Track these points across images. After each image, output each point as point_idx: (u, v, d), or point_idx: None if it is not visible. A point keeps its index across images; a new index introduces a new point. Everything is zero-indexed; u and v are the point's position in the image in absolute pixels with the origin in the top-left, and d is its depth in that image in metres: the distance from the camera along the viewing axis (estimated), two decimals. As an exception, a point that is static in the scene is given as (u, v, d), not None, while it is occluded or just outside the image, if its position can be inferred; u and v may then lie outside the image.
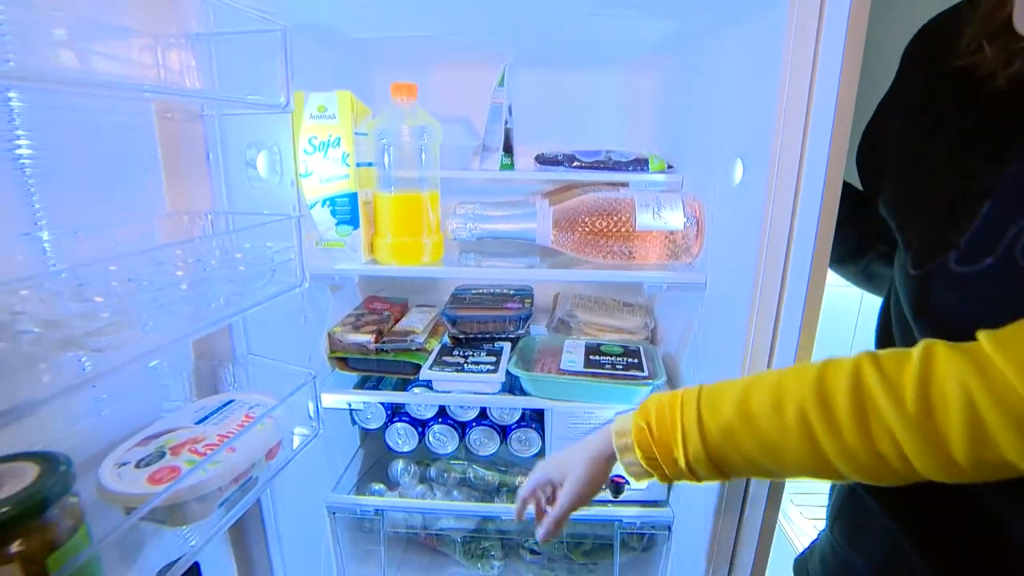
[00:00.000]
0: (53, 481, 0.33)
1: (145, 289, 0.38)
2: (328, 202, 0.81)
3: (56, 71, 0.43)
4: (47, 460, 0.34)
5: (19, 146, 0.43)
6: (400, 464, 1.05)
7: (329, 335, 0.92)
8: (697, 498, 0.84)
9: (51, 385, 0.36)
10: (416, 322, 0.99)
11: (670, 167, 0.94)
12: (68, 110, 0.47)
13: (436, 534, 1.02)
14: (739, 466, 0.47)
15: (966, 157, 0.45)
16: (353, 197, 0.80)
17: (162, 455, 0.45)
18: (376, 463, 1.08)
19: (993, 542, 0.47)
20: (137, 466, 0.43)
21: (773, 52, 0.59)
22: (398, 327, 0.97)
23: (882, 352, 0.41)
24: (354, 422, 1.04)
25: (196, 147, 0.53)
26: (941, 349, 0.38)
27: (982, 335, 0.37)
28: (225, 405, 0.54)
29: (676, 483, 0.52)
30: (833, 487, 0.67)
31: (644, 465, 0.50)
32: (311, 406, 0.63)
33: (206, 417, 0.51)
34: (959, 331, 0.39)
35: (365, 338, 0.90)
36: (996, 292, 0.38)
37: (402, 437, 1.03)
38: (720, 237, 0.78)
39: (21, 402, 0.33)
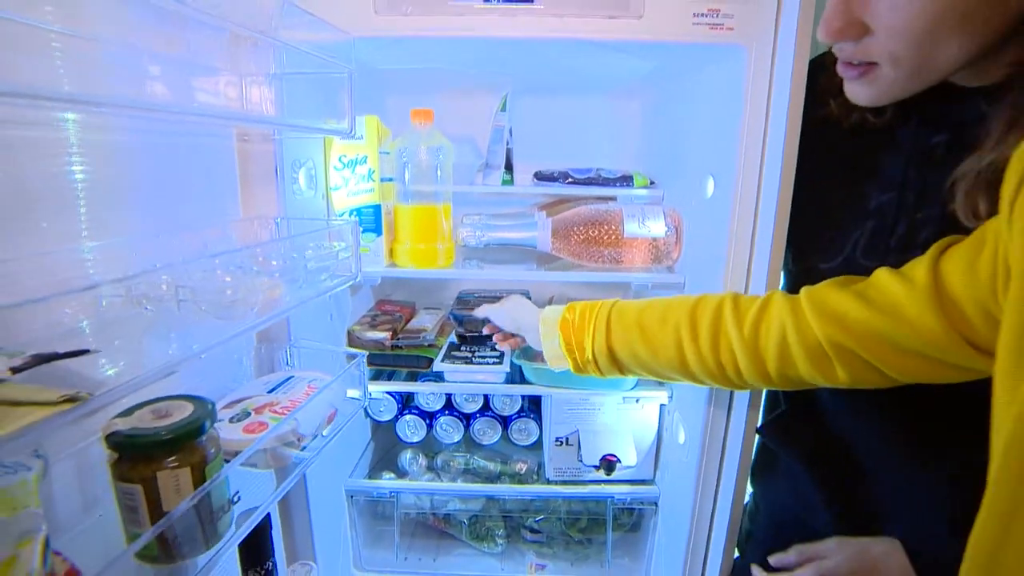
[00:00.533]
0: (204, 414, 0.44)
1: (255, 275, 0.49)
2: (355, 212, 0.93)
3: (169, 102, 0.54)
4: (198, 400, 0.45)
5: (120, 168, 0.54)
6: (408, 454, 1.15)
7: (349, 332, 1.03)
8: (679, 475, 0.97)
9: (176, 354, 0.47)
10: (426, 322, 1.10)
11: (652, 183, 1.08)
12: (168, 135, 0.58)
13: (445, 516, 1.12)
14: (628, 360, 0.64)
15: (825, 181, 0.63)
16: (377, 208, 0.93)
17: (248, 414, 0.56)
18: (387, 454, 1.19)
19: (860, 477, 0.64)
20: (231, 422, 0.54)
21: (736, 89, 0.74)
22: (410, 326, 1.09)
23: (743, 295, 0.59)
24: (367, 415, 1.15)
25: (264, 164, 0.65)
26: (778, 296, 0.56)
27: (803, 289, 0.54)
28: (287, 380, 0.65)
29: (583, 374, 0.69)
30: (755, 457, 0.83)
31: (563, 348, 0.67)
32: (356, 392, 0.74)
33: (274, 388, 0.62)
34: None
35: (382, 335, 1.02)
36: None
37: (411, 428, 1.13)
38: (695, 244, 0.92)
39: (173, 359, 0.44)
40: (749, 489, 0.87)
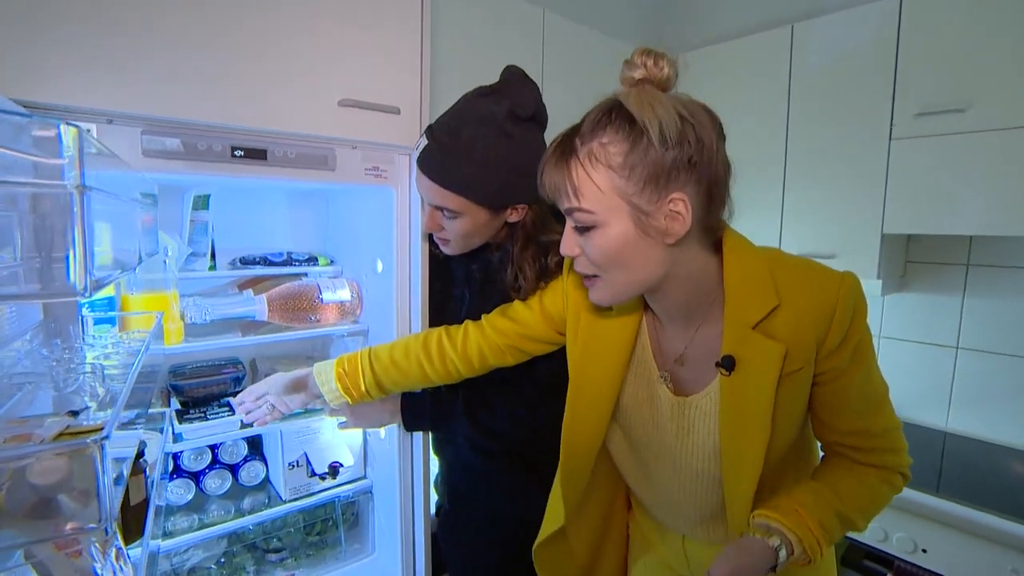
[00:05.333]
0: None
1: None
2: (88, 305, 1.11)
3: None
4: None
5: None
6: (135, 530, 1.29)
7: (74, 419, 1.15)
8: (385, 463, 1.47)
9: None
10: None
11: (333, 262, 1.59)
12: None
13: (190, 571, 1.31)
14: (391, 386, 1.15)
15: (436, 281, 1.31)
16: (111, 299, 1.13)
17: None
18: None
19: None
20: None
21: (390, 209, 1.33)
22: (133, 404, 1.27)
23: (448, 327, 1.18)
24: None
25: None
26: (469, 326, 1.17)
27: (484, 317, 1.17)
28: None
29: (360, 401, 1.15)
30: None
31: (342, 391, 1.13)
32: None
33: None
34: None
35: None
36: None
37: (139, 501, 1.28)
38: (374, 302, 1.47)
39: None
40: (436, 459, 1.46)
